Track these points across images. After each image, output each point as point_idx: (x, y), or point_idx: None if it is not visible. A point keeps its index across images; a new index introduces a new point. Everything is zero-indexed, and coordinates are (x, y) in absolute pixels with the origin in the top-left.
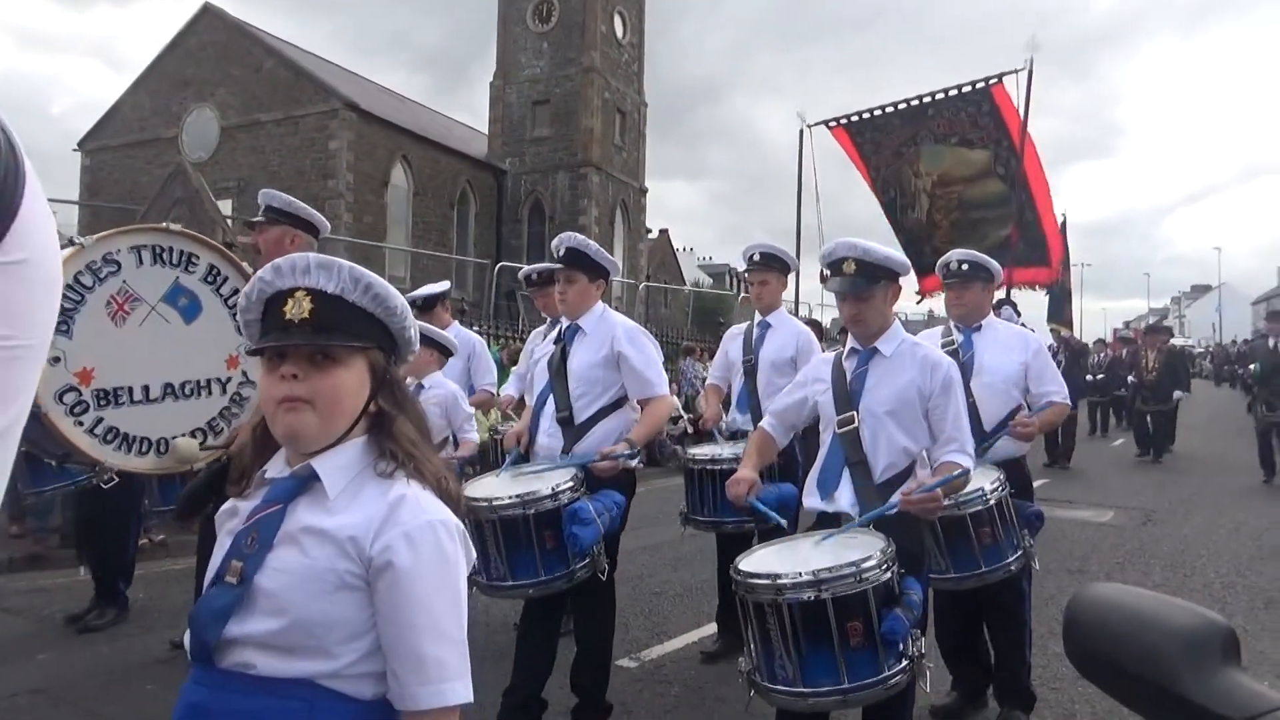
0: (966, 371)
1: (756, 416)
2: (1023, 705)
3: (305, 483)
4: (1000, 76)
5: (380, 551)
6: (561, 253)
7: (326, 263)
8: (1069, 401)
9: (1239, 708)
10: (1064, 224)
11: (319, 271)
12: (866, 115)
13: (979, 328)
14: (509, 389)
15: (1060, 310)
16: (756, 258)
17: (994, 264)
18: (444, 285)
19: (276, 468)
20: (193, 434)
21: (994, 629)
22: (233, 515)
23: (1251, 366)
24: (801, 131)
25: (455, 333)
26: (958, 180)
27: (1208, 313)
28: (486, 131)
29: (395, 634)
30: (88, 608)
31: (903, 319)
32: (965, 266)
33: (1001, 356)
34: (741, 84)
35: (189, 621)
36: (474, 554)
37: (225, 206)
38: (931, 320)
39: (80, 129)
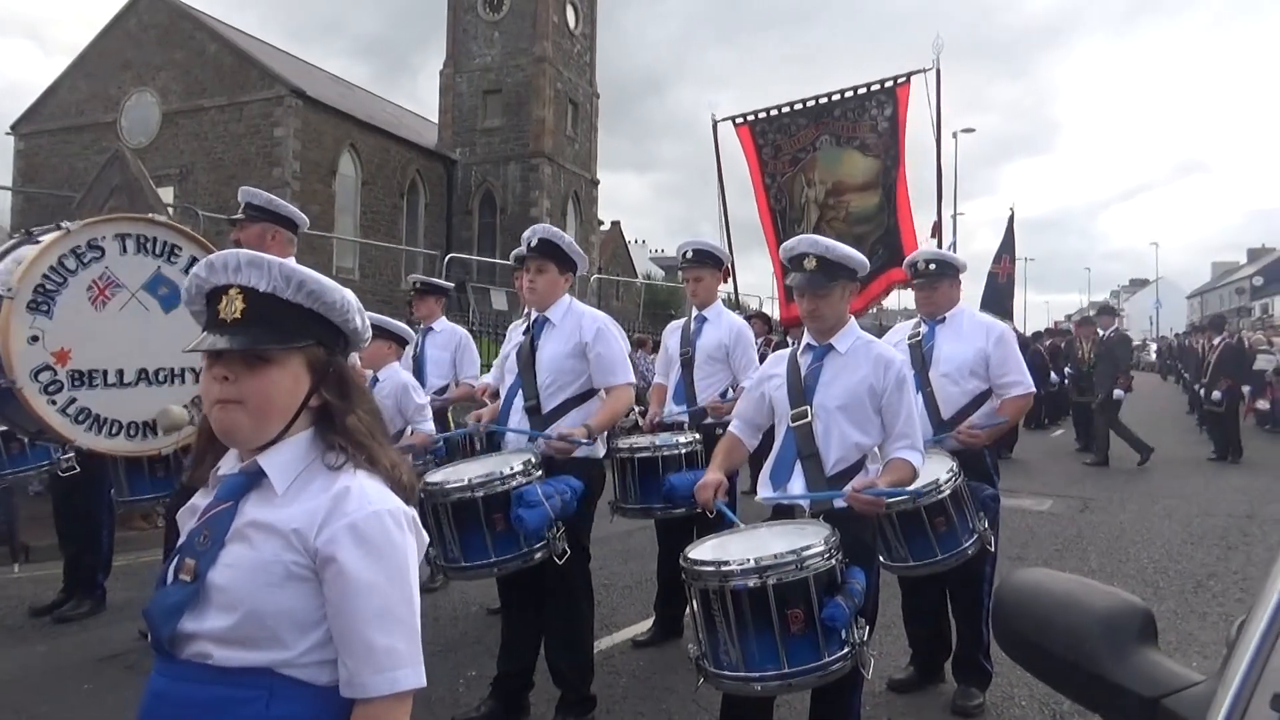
0: (927, 362)
1: (692, 406)
2: (978, 683)
3: (254, 479)
4: (909, 76)
5: (325, 544)
6: (534, 243)
7: (257, 260)
8: (1032, 390)
9: (1153, 685)
10: (1011, 218)
11: (249, 269)
12: (774, 112)
13: (944, 319)
14: (488, 378)
15: (1001, 301)
16: (690, 255)
17: (959, 259)
18: (450, 285)
19: (229, 464)
20: (186, 406)
21: (956, 611)
22: (192, 514)
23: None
24: (715, 126)
25: (442, 327)
26: (850, 189)
27: (1146, 306)
28: (436, 121)
29: (344, 625)
30: (59, 599)
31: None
32: (933, 266)
33: (958, 346)
34: (687, 77)
35: (144, 617)
36: (426, 538)
37: (166, 194)
38: (880, 313)
39: (8, 111)
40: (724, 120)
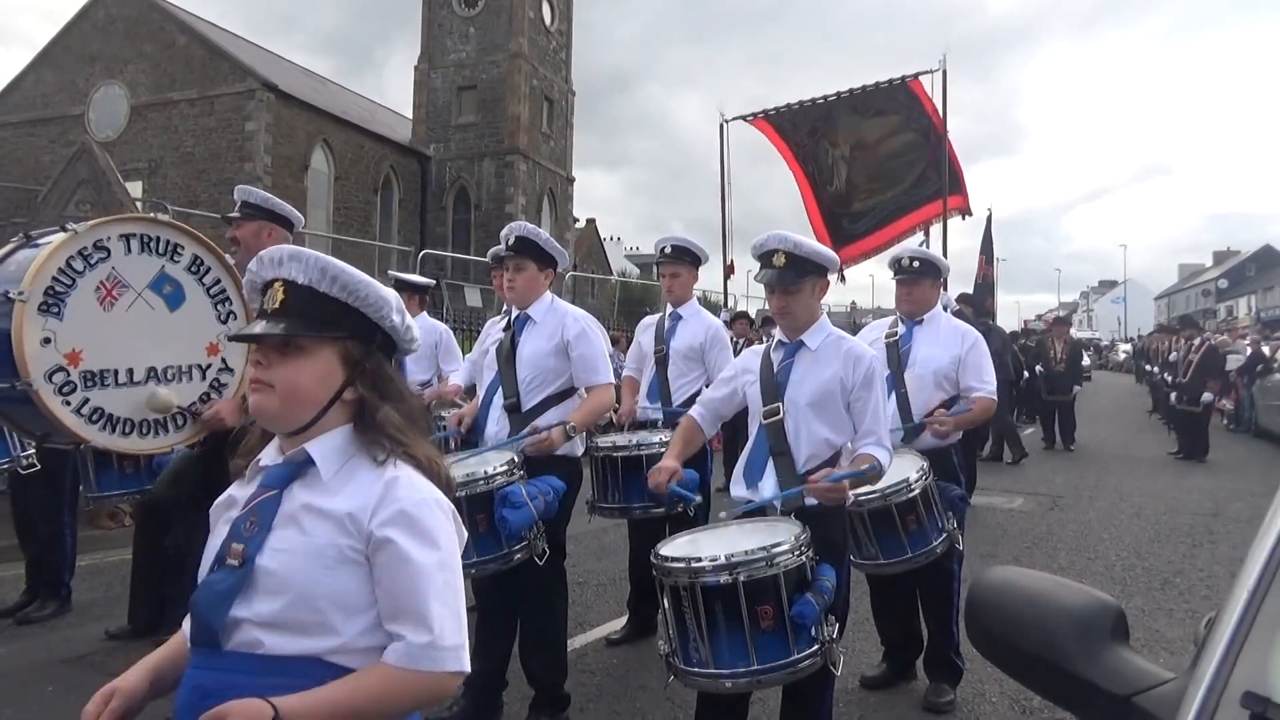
0: (903, 363)
1: (667, 406)
2: (950, 679)
3: (300, 467)
4: (917, 75)
5: (379, 527)
6: (511, 241)
7: (297, 254)
8: (994, 397)
9: (1125, 683)
10: (989, 220)
11: (290, 263)
12: (784, 109)
13: (921, 321)
14: (458, 377)
15: (981, 302)
16: (668, 250)
17: (943, 261)
18: (430, 281)
19: (270, 456)
20: (176, 416)
21: (926, 608)
22: (230, 505)
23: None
24: (721, 126)
25: (422, 323)
26: (874, 142)
27: (1115, 307)
28: (410, 116)
29: (395, 602)
30: (22, 600)
31: (825, 310)
32: (916, 264)
33: (935, 349)
34: (655, 75)
35: (190, 607)
36: (465, 533)
37: (134, 188)
38: (854, 312)
39: None
40: (734, 120)
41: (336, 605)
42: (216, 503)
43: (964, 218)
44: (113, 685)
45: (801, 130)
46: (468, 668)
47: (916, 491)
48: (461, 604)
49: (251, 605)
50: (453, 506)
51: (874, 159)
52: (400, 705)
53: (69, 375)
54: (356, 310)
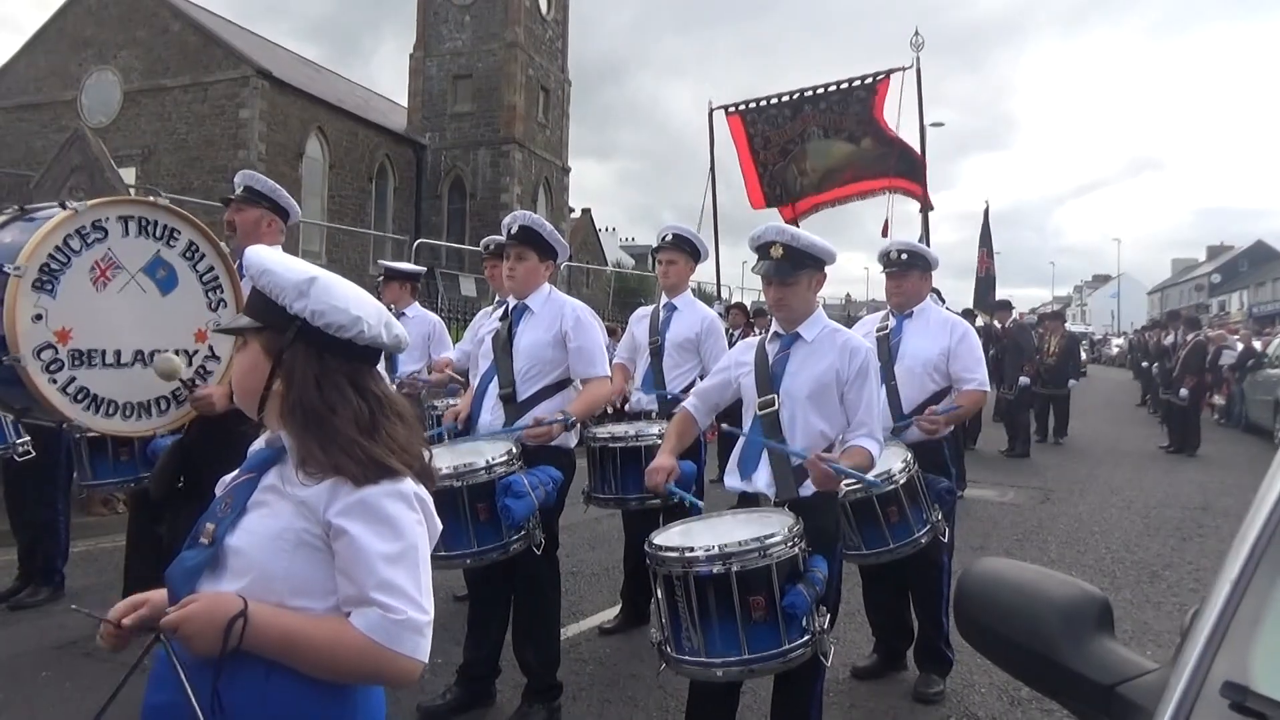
0: (894, 356)
1: (661, 397)
2: (939, 670)
3: (279, 453)
4: (889, 73)
5: (336, 515)
6: (515, 230)
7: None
8: (985, 388)
9: (1109, 673)
10: (986, 213)
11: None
12: (763, 103)
13: (911, 314)
14: (453, 354)
15: (984, 296)
16: (669, 238)
17: (932, 254)
18: (420, 269)
19: (260, 442)
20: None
21: (916, 600)
22: (224, 487)
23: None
24: (710, 115)
25: (415, 313)
26: (841, 174)
27: (1108, 301)
28: (406, 105)
29: (355, 590)
30: (15, 586)
31: (821, 303)
32: (904, 256)
33: (924, 342)
34: (646, 65)
35: (165, 581)
36: (439, 525)
37: (128, 175)
38: (848, 304)
39: None
40: (718, 109)
41: (292, 590)
42: (220, 483)
43: (922, 210)
44: (145, 595)
45: (773, 149)
46: (424, 657)
47: (900, 482)
48: (424, 594)
49: (218, 584)
50: (423, 495)
51: (839, 178)
52: (347, 668)
53: (57, 353)
54: (272, 299)
